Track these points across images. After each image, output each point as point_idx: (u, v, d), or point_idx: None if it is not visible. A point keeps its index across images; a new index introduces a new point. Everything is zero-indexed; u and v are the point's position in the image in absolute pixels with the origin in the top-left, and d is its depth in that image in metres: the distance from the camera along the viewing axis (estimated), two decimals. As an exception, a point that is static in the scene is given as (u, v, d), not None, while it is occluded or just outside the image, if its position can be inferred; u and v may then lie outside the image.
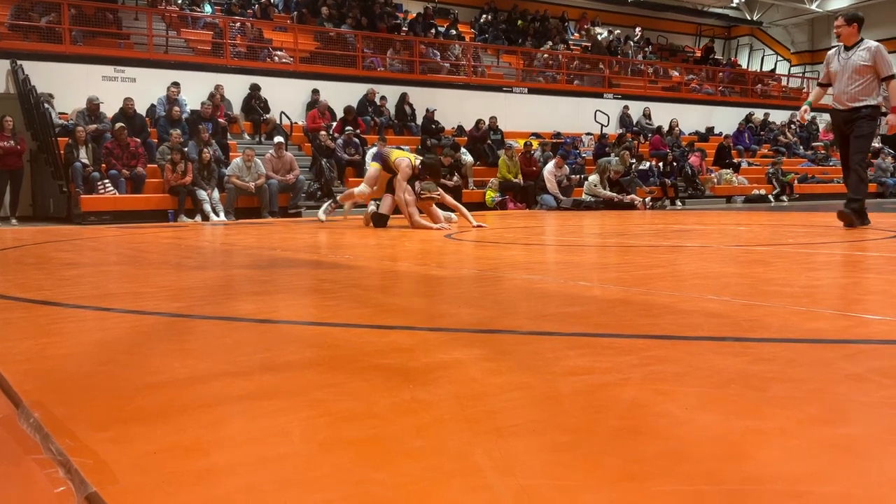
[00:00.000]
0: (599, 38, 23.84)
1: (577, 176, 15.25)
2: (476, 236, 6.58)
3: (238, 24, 16.67)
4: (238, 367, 1.74)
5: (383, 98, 16.61)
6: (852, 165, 6.55)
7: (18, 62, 13.14)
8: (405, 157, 8.02)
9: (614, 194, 13.86)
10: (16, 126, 11.84)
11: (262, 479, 1.04)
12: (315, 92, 15.67)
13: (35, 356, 1.90)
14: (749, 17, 29.53)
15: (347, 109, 15.24)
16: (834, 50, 6.76)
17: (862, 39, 6.65)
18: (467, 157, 15.26)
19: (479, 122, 16.49)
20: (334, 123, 15.13)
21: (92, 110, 12.58)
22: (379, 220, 8.01)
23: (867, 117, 6.49)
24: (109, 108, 12.92)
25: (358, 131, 14.72)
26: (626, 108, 20.45)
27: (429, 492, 1.00)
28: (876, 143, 23.20)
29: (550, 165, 14.59)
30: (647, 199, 14.27)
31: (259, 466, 1.09)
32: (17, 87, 13.15)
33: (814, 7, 28.10)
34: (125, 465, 1.10)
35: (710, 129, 22.08)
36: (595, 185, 13.92)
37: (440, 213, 8.16)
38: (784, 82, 27.35)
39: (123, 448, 1.18)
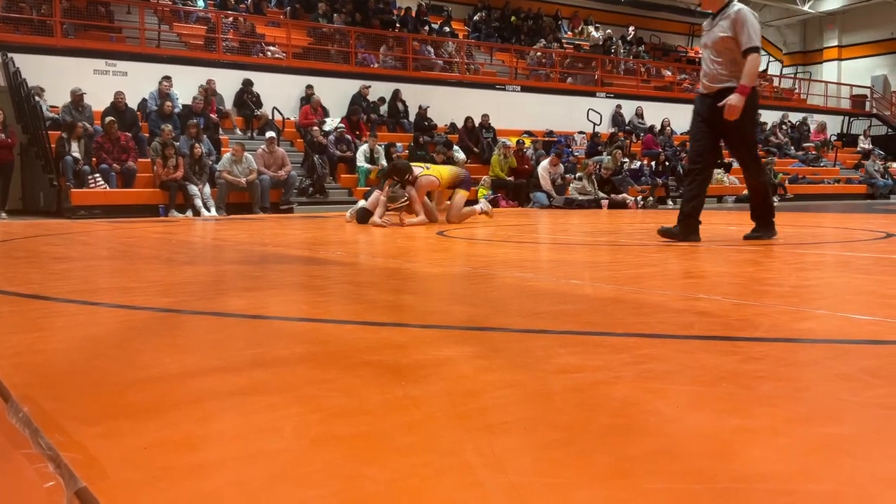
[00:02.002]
0: (595, 34, 23.84)
1: (571, 175, 15.26)
2: (468, 234, 6.58)
3: (231, 19, 16.62)
4: (229, 362, 1.73)
5: (381, 99, 16.60)
6: (751, 173, 5.48)
7: (9, 54, 13.06)
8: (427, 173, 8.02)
9: (602, 194, 13.90)
10: (6, 119, 11.77)
11: (252, 475, 1.04)
12: (309, 87, 15.64)
13: (25, 350, 1.89)
14: (741, 18, 29.56)
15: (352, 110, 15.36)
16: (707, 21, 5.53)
17: (729, 3, 5.29)
18: (459, 155, 15.26)
19: (467, 119, 16.51)
20: (334, 120, 15.13)
21: (76, 102, 12.48)
22: (363, 216, 7.97)
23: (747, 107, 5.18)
24: (101, 102, 12.86)
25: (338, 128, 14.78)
26: (618, 107, 20.49)
27: (420, 488, 1.00)
28: (865, 145, 23.34)
29: (545, 163, 14.60)
30: (638, 199, 14.32)
31: (250, 462, 1.09)
32: (7, 80, 13.07)
33: (806, 8, 28.21)
34: (115, 460, 1.09)
35: (702, 129, 22.09)
36: (585, 186, 13.96)
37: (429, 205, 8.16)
38: (776, 83, 27.44)
39: (113, 443, 1.17)
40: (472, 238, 6.12)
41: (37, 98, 12.40)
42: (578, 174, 14.24)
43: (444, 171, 8.16)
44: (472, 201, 8.87)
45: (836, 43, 29.48)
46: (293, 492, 0.99)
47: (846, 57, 29.22)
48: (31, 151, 12.51)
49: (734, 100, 5.00)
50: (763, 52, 29.54)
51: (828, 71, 29.49)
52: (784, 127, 23.75)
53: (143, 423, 1.27)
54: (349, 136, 14.42)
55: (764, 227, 5.45)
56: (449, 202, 8.21)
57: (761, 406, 1.35)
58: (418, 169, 8.00)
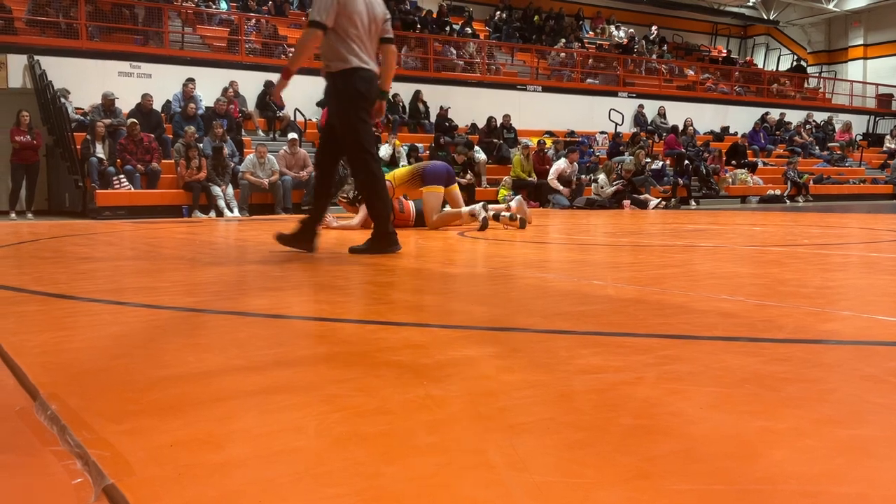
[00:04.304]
0: (617, 34, 23.76)
1: (586, 176, 15.21)
2: (489, 234, 6.57)
3: (253, 21, 16.72)
4: (252, 361, 1.75)
5: (396, 95, 16.62)
6: (354, 175, 4.92)
7: (35, 57, 13.23)
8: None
9: (611, 187, 13.82)
10: (32, 121, 11.93)
11: (275, 473, 1.05)
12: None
13: (51, 349, 1.92)
14: (765, 17, 29.36)
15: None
16: None
17: None
18: (480, 155, 15.26)
19: (490, 119, 16.49)
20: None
21: (107, 105, 12.66)
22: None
23: (332, 92, 4.54)
24: (125, 104, 13.00)
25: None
26: (640, 106, 20.39)
27: (442, 487, 1.00)
28: (892, 144, 23.04)
29: (561, 161, 14.56)
30: (660, 200, 14.24)
31: (273, 460, 1.10)
32: (33, 83, 13.25)
33: (831, 7, 27.90)
34: (141, 458, 1.11)
35: (724, 129, 21.98)
36: (602, 186, 13.90)
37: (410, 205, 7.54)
38: (805, 84, 27.18)
39: (139, 441, 1.19)
40: (492, 238, 6.11)
41: (62, 100, 12.56)
42: (601, 174, 14.17)
43: (398, 173, 7.42)
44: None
45: (861, 42, 29.14)
46: (316, 490, 0.99)
47: (872, 56, 28.86)
48: (57, 153, 12.67)
49: (281, 85, 4.52)
50: (787, 52, 29.43)
51: (853, 70, 29.16)
52: (809, 126, 23.53)
53: (168, 421, 1.29)
54: (370, 137, 14.45)
55: (375, 239, 4.71)
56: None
57: (785, 407, 1.34)
58: None
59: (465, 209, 7.40)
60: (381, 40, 4.68)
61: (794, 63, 28.66)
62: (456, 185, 7.68)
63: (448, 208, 7.44)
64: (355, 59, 4.47)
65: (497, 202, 12.83)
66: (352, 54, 4.46)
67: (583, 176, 15.12)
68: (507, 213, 7.37)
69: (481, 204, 7.35)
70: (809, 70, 29.19)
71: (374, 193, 4.72)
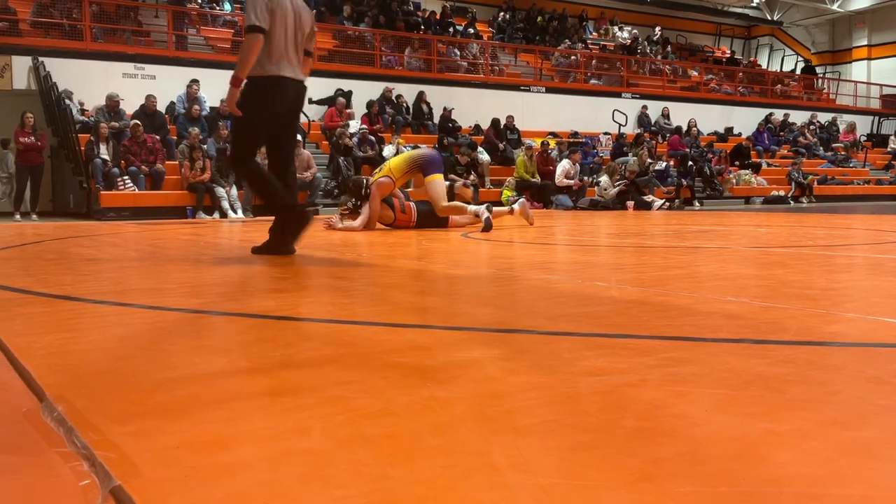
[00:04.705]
0: (620, 35, 23.76)
1: (588, 178, 15.21)
2: (492, 235, 6.57)
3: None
4: (257, 363, 1.75)
5: (400, 96, 16.64)
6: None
7: (40, 59, 13.26)
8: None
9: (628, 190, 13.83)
10: (36, 122, 11.96)
11: (281, 475, 1.05)
12: (338, 90, 15.70)
13: (57, 350, 1.93)
14: (769, 17, 29.32)
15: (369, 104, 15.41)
16: None
17: None
18: (484, 157, 15.26)
19: (495, 121, 16.52)
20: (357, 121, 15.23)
21: (111, 107, 12.69)
22: None
23: (243, 93, 4.42)
24: (129, 105, 13.02)
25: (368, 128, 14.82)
26: (644, 107, 20.37)
27: (447, 489, 1.00)
28: (896, 145, 22.99)
29: (566, 163, 14.57)
30: (664, 201, 14.23)
31: (279, 462, 1.10)
32: (38, 84, 13.28)
33: (835, 7, 27.86)
34: (148, 459, 1.11)
35: (728, 130, 21.96)
36: (605, 188, 13.89)
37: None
38: (815, 85, 27.13)
39: (145, 442, 1.19)
40: (496, 240, 6.12)
41: (67, 101, 12.59)
42: (604, 175, 14.16)
43: (394, 163, 7.39)
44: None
45: (865, 42, 29.07)
46: (322, 492, 1.00)
47: (876, 56, 28.80)
48: (61, 154, 12.70)
49: (231, 95, 4.39)
50: (791, 52, 29.41)
51: (857, 70, 29.10)
52: (813, 127, 23.49)
53: (174, 423, 1.29)
54: (372, 138, 14.47)
55: (273, 240, 4.66)
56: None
57: (790, 409, 1.34)
58: (373, 177, 7.42)
59: (471, 208, 7.42)
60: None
61: (803, 65, 28.57)
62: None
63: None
64: (272, 67, 4.42)
65: (501, 203, 12.85)
66: (268, 62, 4.41)
67: (585, 178, 15.11)
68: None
69: (486, 205, 7.35)
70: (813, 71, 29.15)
71: (262, 192, 4.72)
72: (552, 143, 16.14)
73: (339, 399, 1.43)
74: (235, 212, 11.98)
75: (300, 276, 3.85)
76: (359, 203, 7.38)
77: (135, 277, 3.82)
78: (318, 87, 15.91)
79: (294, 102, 4.61)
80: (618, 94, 20.50)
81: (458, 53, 19.07)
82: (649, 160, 15.67)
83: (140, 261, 4.74)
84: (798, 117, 23.62)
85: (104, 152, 11.72)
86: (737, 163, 18.63)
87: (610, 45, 23.47)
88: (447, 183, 7.48)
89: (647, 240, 6.27)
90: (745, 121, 22.36)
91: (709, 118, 21.56)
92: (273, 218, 4.70)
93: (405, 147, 14.35)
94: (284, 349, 1.92)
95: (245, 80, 4.39)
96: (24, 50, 13.44)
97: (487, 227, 6.97)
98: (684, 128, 19.43)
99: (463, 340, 2.01)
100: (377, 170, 7.56)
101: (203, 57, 15.44)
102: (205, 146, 12.30)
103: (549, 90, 19.52)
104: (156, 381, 1.59)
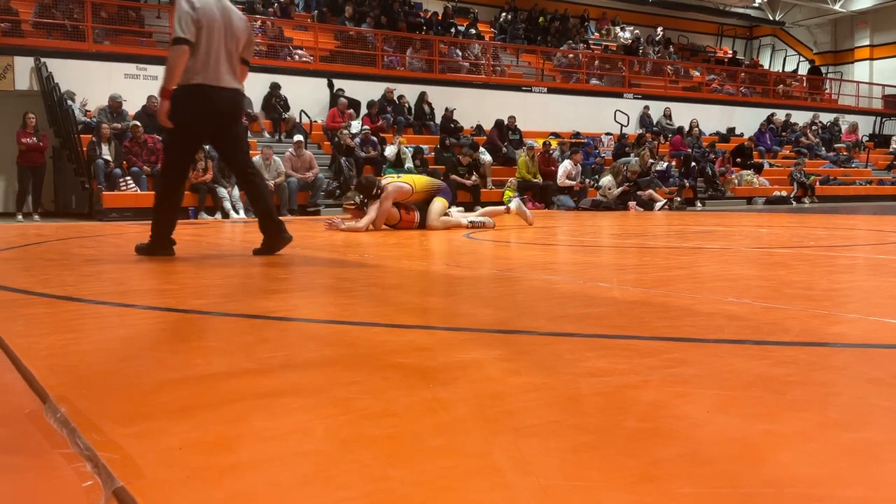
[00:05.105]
0: (622, 35, 23.76)
1: (588, 179, 15.20)
2: (494, 236, 6.58)
3: (259, 23, 16.76)
4: (259, 364, 1.75)
5: (402, 97, 16.65)
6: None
7: (42, 59, 13.28)
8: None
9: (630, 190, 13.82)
10: (38, 123, 11.97)
11: (284, 475, 1.06)
12: (339, 90, 15.71)
13: (59, 351, 1.93)
14: (771, 18, 29.30)
15: (370, 104, 15.42)
16: None
17: None
18: (486, 157, 15.26)
19: (498, 122, 16.52)
20: (360, 116, 15.25)
21: (114, 108, 12.70)
22: None
23: (174, 106, 4.48)
24: (132, 106, 13.03)
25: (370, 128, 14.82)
26: (646, 108, 20.37)
27: (448, 490, 1.01)
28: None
29: (567, 164, 14.57)
30: (666, 201, 14.22)
31: (281, 462, 1.11)
32: (40, 85, 13.29)
33: (837, 7, 27.83)
34: (150, 461, 1.12)
35: (730, 130, 21.94)
36: (609, 188, 13.88)
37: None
38: (824, 86, 27.11)
39: (148, 443, 1.20)
40: (497, 240, 6.12)
41: (69, 102, 12.60)
42: (607, 176, 14.15)
43: (418, 180, 7.85)
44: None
45: (867, 42, 29.04)
46: (324, 493, 1.00)
47: (878, 56, 28.77)
48: (64, 155, 12.71)
49: (163, 107, 4.48)
50: (793, 52, 29.39)
51: (859, 71, 29.07)
52: (815, 128, 23.47)
53: (177, 424, 1.29)
54: (374, 138, 14.47)
55: (153, 241, 4.75)
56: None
57: (791, 410, 1.34)
58: (388, 179, 7.77)
59: (467, 219, 7.86)
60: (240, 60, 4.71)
61: (808, 66, 28.53)
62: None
63: (450, 215, 7.94)
64: (199, 77, 4.47)
65: (503, 203, 12.84)
66: (195, 72, 4.46)
67: (587, 179, 15.11)
68: (482, 219, 7.83)
69: (479, 212, 7.88)
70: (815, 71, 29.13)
71: (162, 200, 4.74)
72: (554, 144, 16.14)
73: (341, 400, 1.43)
74: (237, 212, 11.99)
75: (302, 276, 3.85)
76: (366, 201, 7.43)
77: (137, 278, 3.82)
78: (317, 88, 15.94)
79: (228, 109, 4.64)
80: (619, 95, 20.50)
81: (460, 54, 19.07)
82: (651, 160, 15.66)
83: (142, 262, 4.74)
84: (800, 118, 23.60)
85: (106, 153, 11.73)
86: (738, 161, 18.61)
87: (612, 46, 23.46)
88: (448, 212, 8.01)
89: (648, 240, 6.27)
90: (746, 121, 22.34)
91: (710, 118, 21.55)
92: (258, 219, 4.78)
93: (407, 148, 14.36)
94: (286, 350, 1.92)
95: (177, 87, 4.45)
96: (27, 51, 13.45)
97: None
98: (686, 128, 19.42)
99: (464, 341, 2.01)
100: (393, 176, 7.86)
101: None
102: (207, 147, 12.28)
103: (551, 91, 19.52)
104: (158, 382, 1.60)
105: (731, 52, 28.60)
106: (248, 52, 4.77)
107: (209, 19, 4.45)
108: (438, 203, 7.66)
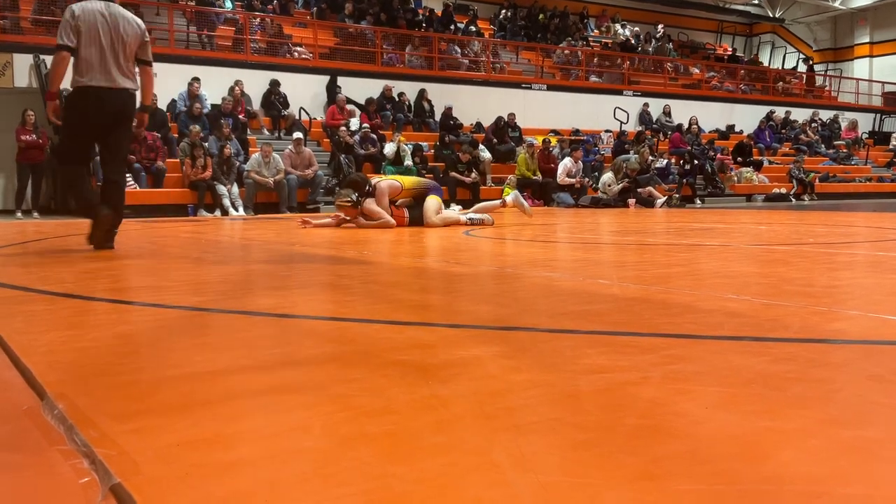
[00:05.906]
0: (622, 32, 23.74)
1: (587, 178, 15.18)
2: (494, 233, 6.57)
3: (258, 20, 16.74)
4: (258, 361, 1.75)
5: (402, 94, 16.64)
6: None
7: (41, 56, 13.25)
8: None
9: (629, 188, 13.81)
10: (38, 120, 11.96)
11: (282, 473, 1.05)
12: (338, 88, 15.69)
13: (58, 348, 1.93)
14: (771, 15, 29.28)
15: (369, 101, 15.40)
16: None
17: None
18: (485, 154, 15.24)
19: (498, 119, 16.50)
20: (358, 114, 15.22)
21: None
22: None
23: (65, 106, 5.10)
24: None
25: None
26: (645, 105, 20.35)
27: (448, 487, 1.00)
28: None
29: (567, 161, 14.56)
30: (665, 199, 14.21)
31: (280, 460, 1.10)
32: (39, 82, 13.27)
33: (837, 4, 27.81)
34: (148, 457, 1.11)
35: (730, 127, 21.93)
36: (609, 185, 13.87)
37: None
38: (822, 83, 27.09)
39: (146, 440, 1.19)
40: (498, 237, 6.12)
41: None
42: (608, 173, 14.14)
43: (406, 179, 8.16)
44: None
45: (867, 39, 29.02)
46: (323, 490, 1.00)
47: (878, 53, 28.76)
48: (63, 152, 12.67)
49: (51, 107, 5.05)
50: (793, 50, 29.37)
51: (859, 68, 29.05)
52: (815, 125, 23.45)
53: (175, 421, 1.29)
54: (374, 136, 14.46)
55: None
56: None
57: (791, 408, 1.34)
58: (377, 178, 8.05)
59: (465, 216, 7.89)
60: (137, 61, 5.11)
61: (807, 64, 28.50)
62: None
63: (446, 213, 8.08)
64: (84, 79, 4.86)
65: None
66: (80, 74, 4.87)
67: (586, 178, 15.10)
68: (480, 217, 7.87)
69: (475, 208, 8.00)
70: (815, 68, 29.10)
71: (71, 193, 5.19)
72: (553, 141, 16.13)
73: (340, 397, 1.43)
74: (236, 209, 11.98)
75: (301, 273, 3.85)
76: (360, 199, 7.46)
77: (136, 275, 3.82)
78: (316, 85, 15.92)
79: (115, 109, 4.99)
80: (619, 92, 20.48)
81: (460, 51, 19.05)
82: (650, 158, 15.64)
83: (141, 259, 4.74)
84: (800, 115, 23.58)
85: (105, 150, 11.71)
86: (738, 159, 18.60)
87: (611, 43, 23.43)
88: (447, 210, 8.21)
89: (648, 237, 6.26)
90: (746, 118, 22.33)
91: (710, 116, 21.53)
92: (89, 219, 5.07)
93: (406, 145, 14.35)
94: (285, 347, 1.92)
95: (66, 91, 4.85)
96: (26, 48, 13.42)
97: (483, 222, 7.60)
98: (686, 125, 19.39)
99: (464, 338, 2.01)
100: (381, 175, 8.01)
101: (204, 55, 15.42)
102: (206, 144, 12.29)
103: (551, 88, 19.50)
104: (157, 378, 1.59)
105: (730, 49, 28.59)
106: (143, 54, 5.12)
107: (89, 26, 4.84)
108: (433, 201, 7.79)
